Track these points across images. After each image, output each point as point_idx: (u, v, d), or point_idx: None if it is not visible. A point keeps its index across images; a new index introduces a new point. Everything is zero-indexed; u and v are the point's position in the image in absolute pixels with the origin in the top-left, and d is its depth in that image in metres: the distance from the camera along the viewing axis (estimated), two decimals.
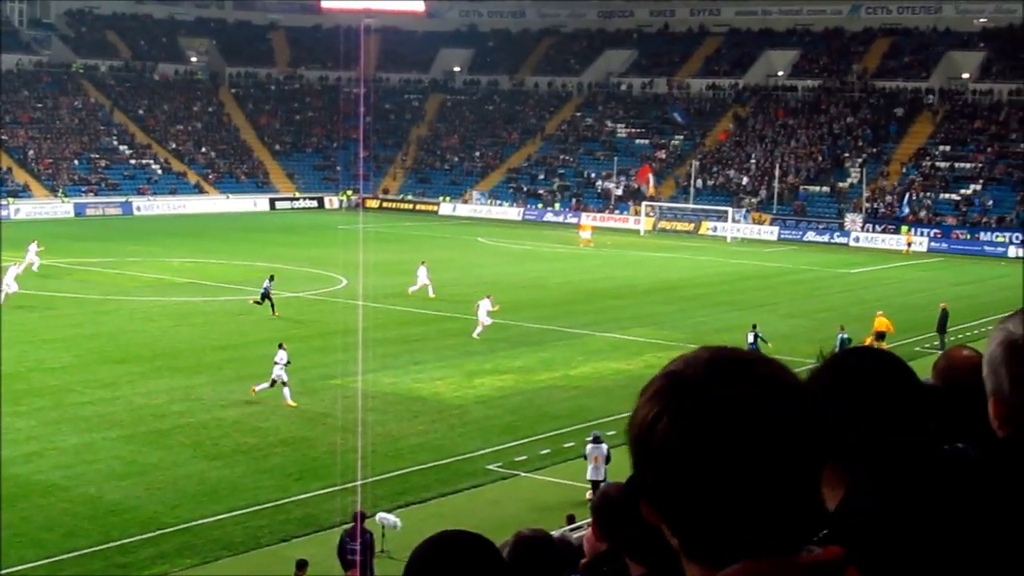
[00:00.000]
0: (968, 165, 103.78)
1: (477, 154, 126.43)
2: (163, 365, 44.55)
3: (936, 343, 50.89)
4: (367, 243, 78.03)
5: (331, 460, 32.30)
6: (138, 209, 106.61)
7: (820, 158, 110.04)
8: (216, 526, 28.42)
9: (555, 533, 7.62)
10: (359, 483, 29.04)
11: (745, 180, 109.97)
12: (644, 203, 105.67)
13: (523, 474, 33.27)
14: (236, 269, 70.13)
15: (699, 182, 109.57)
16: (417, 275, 61.12)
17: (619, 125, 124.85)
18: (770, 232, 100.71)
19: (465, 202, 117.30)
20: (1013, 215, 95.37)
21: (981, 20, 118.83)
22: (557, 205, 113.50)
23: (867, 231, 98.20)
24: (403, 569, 3.86)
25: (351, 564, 24.45)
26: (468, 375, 44.33)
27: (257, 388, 39.55)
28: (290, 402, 38.71)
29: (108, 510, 29.18)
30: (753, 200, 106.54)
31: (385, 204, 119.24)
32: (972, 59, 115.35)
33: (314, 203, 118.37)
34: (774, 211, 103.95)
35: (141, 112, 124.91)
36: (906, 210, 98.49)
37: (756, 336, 47.40)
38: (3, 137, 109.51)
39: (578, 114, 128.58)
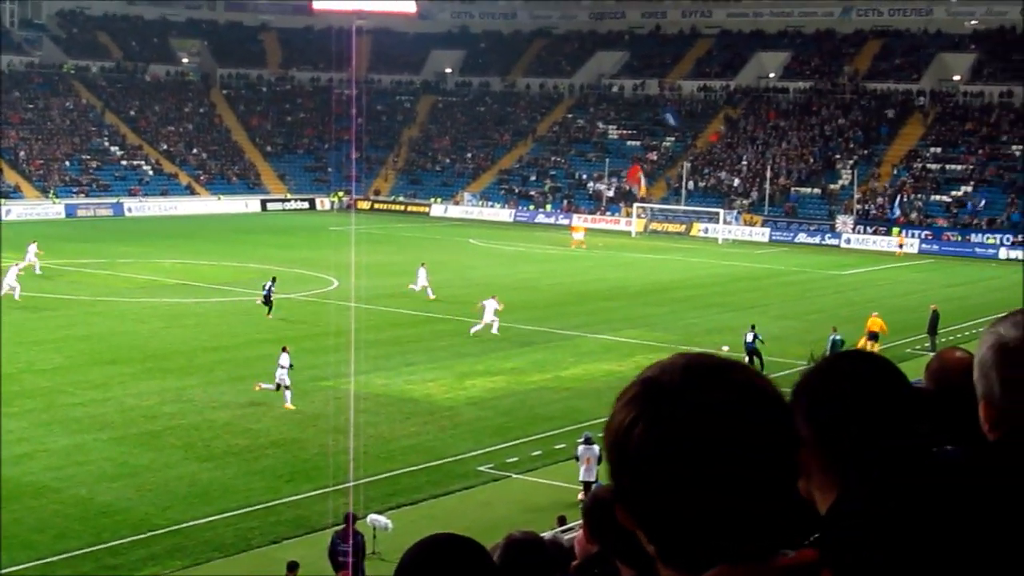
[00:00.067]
0: (959, 167, 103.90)
1: (469, 155, 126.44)
2: (154, 366, 44.50)
3: (927, 344, 50.94)
4: (359, 244, 77.98)
5: (322, 462, 32.29)
6: (129, 210, 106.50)
7: (811, 160, 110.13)
8: (207, 528, 28.39)
9: (546, 535, 7.63)
10: (350, 484, 29.01)
11: (736, 182, 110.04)
12: (635, 204, 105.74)
13: (514, 476, 33.27)
14: (227, 270, 70.10)
15: (690, 184, 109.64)
16: (417, 276, 61.15)
17: (610, 126, 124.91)
18: (761, 234, 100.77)
19: (457, 203, 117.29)
20: (1004, 217, 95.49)
21: (972, 22, 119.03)
22: (548, 206, 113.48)
23: (858, 233, 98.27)
24: (393, 572, 3.85)
25: (342, 566, 24.44)
26: (460, 376, 44.32)
27: (263, 386, 39.55)
28: (289, 405, 38.68)
29: (99, 512, 29.15)
30: (744, 202, 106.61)
31: (377, 205, 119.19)
32: (963, 61, 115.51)
33: (305, 204, 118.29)
34: (765, 213, 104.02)
35: (132, 113, 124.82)
36: (897, 212, 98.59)
37: (755, 336, 47.25)
38: None
39: (569, 115, 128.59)
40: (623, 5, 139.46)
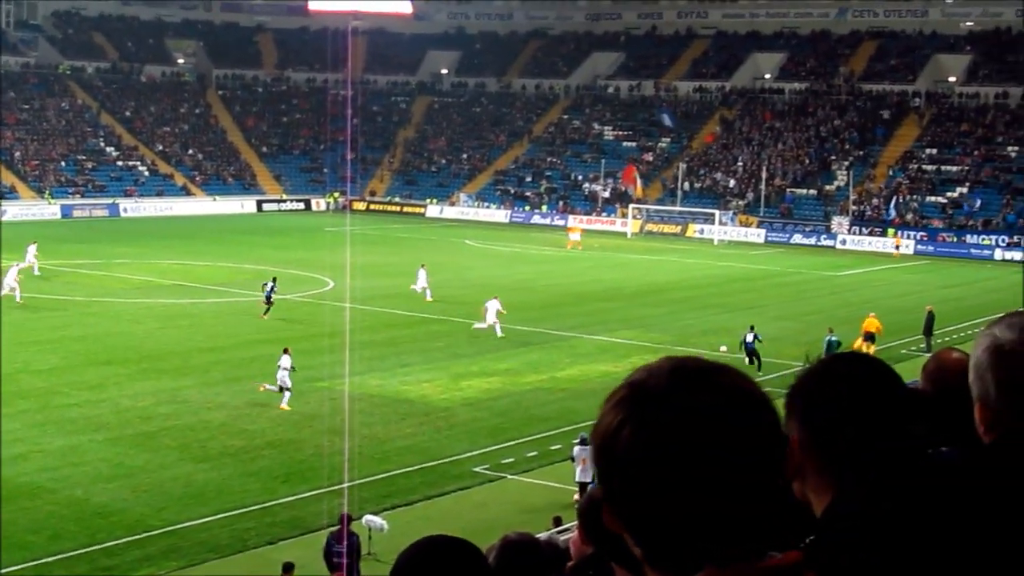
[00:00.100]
0: (954, 168, 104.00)
1: (464, 156, 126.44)
2: (150, 367, 44.48)
3: (922, 346, 51.00)
4: (354, 245, 78.00)
5: (318, 462, 32.28)
6: (125, 211, 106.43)
7: (807, 161, 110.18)
8: (202, 528, 28.38)
9: (542, 536, 7.62)
10: (346, 485, 29.01)
11: (732, 183, 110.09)
12: (631, 205, 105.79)
13: (510, 476, 33.27)
14: (223, 271, 70.09)
15: (686, 184, 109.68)
16: (418, 276, 61.18)
17: (606, 127, 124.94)
18: (757, 235, 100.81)
19: (452, 204, 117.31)
20: (999, 218, 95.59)
21: (967, 23, 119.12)
22: (544, 207, 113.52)
23: (854, 234, 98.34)
24: (389, 574, 3.85)
25: (337, 567, 24.42)
26: (455, 377, 44.32)
27: (267, 387, 39.51)
28: (285, 407, 38.68)
29: (94, 512, 29.13)
30: (740, 203, 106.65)
31: (372, 206, 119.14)
32: (958, 62, 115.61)
33: (301, 205, 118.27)
34: (761, 214, 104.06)
35: (128, 114, 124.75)
36: (893, 213, 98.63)
37: (755, 337, 47.24)
38: None
39: (565, 116, 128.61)
40: (619, 6, 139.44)
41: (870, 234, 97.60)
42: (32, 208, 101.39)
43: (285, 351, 40.07)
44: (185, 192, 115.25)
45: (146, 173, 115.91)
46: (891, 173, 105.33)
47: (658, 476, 2.18)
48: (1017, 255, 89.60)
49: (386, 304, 58.60)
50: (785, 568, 2.25)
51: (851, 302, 63.76)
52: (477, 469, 33.69)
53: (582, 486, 29.75)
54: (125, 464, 32.89)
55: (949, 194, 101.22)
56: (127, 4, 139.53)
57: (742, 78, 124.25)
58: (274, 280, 56.14)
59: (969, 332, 51.53)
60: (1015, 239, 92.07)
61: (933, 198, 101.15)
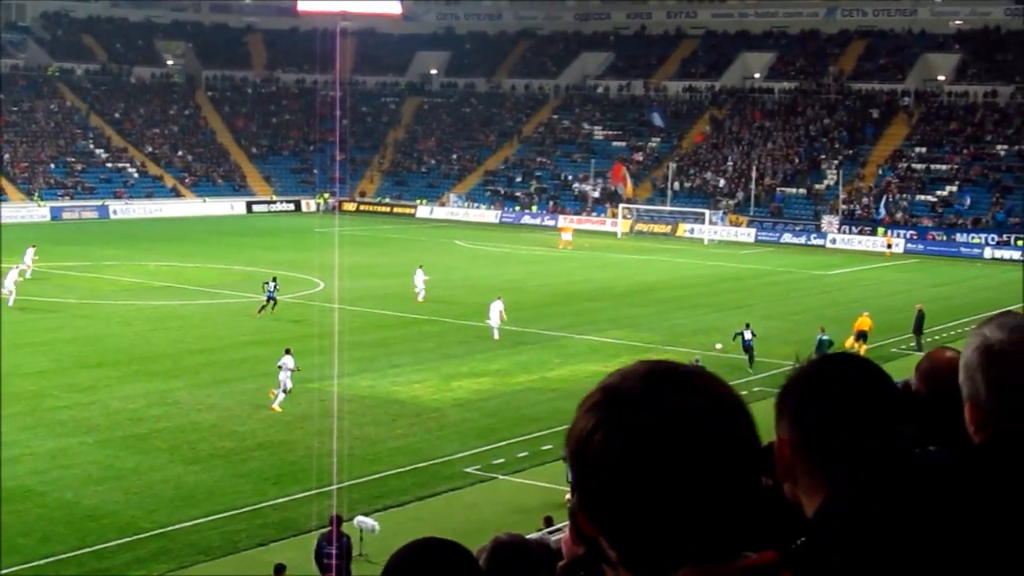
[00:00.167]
0: (944, 167, 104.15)
1: (454, 157, 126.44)
2: (140, 369, 44.44)
3: (913, 344, 51.05)
4: (344, 246, 77.95)
5: (309, 464, 32.23)
6: (114, 213, 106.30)
7: (796, 160, 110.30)
8: (193, 530, 28.34)
9: (533, 536, 7.62)
10: (336, 487, 28.98)
11: (722, 182, 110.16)
12: (621, 205, 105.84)
13: (501, 477, 33.27)
14: (213, 273, 70.05)
15: (676, 184, 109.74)
16: (416, 280, 61.23)
17: (596, 127, 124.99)
18: (747, 234, 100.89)
19: (442, 205, 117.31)
20: (989, 216, 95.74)
21: (956, 22, 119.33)
22: (534, 207, 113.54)
23: (843, 233, 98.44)
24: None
25: (328, 568, 24.41)
26: (446, 378, 44.32)
27: (277, 405, 39.29)
28: (276, 408, 38.64)
29: (85, 515, 29.09)
30: (730, 202, 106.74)
31: (362, 207, 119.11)
32: (947, 61, 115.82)
33: (291, 206, 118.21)
34: (751, 213, 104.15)
35: (117, 115, 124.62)
36: (883, 212, 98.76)
37: (753, 334, 47.36)
38: None
39: (555, 116, 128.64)
40: (608, 6, 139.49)
41: (860, 233, 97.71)
42: (21, 210, 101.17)
43: (287, 351, 40.04)
44: (175, 194, 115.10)
45: (135, 175, 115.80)
46: (881, 172, 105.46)
47: (632, 480, 2.18)
48: (1006, 253, 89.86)
49: (376, 305, 58.60)
50: (761, 568, 2.25)
51: (840, 301, 63.85)
52: (468, 470, 33.70)
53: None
54: (115, 466, 32.85)
55: (939, 193, 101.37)
56: (116, 5, 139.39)
57: (731, 78, 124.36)
58: (274, 280, 56.20)
59: (959, 331, 51.60)
60: (1004, 237, 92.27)
61: (923, 197, 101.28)
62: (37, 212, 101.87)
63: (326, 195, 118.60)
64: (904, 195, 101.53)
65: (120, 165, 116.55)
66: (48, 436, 35.45)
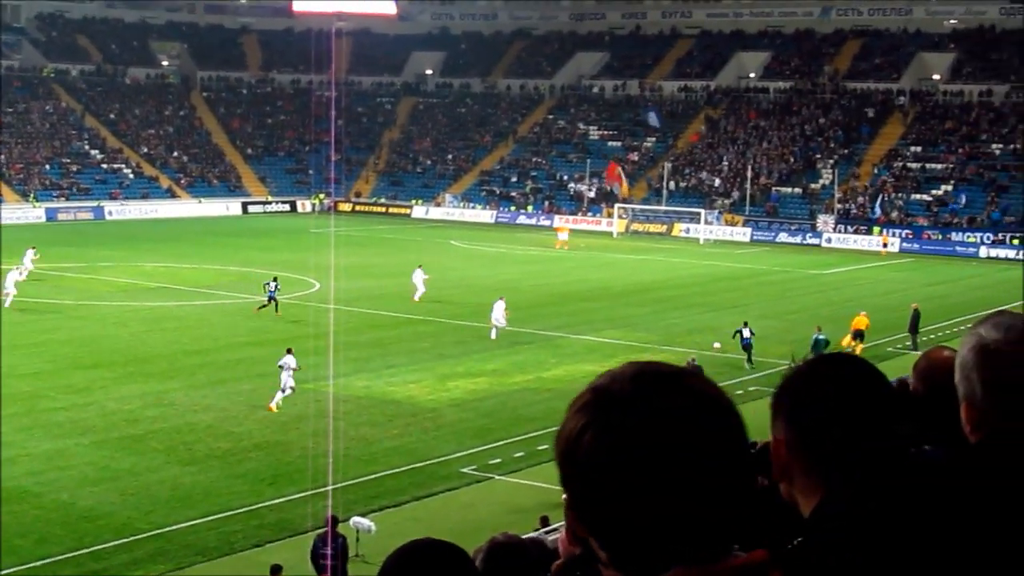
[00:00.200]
0: (939, 166, 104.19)
1: (450, 157, 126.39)
2: (136, 370, 44.41)
3: (908, 343, 51.08)
4: (340, 247, 77.90)
5: (305, 464, 32.23)
6: (110, 214, 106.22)
7: (792, 159, 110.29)
8: (190, 531, 28.33)
9: (529, 535, 7.61)
10: (332, 487, 28.97)
11: (717, 182, 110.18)
12: (617, 205, 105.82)
13: (497, 477, 33.26)
14: (208, 274, 70.02)
15: (671, 184, 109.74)
16: (414, 280, 61.25)
17: (591, 127, 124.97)
18: (742, 233, 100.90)
19: (438, 205, 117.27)
20: (984, 215, 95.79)
21: (951, 21, 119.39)
22: (530, 207, 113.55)
23: (839, 232, 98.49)
24: None
25: (324, 569, 24.39)
26: (441, 378, 44.31)
27: (274, 405, 39.25)
28: (273, 407, 38.63)
29: (81, 516, 29.08)
30: (725, 202, 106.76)
31: (358, 207, 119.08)
32: (942, 60, 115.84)
33: (286, 207, 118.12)
34: (746, 212, 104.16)
35: (112, 116, 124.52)
36: (878, 211, 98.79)
37: (751, 332, 47.49)
38: None
39: (550, 116, 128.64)
40: (603, 6, 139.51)
41: (855, 232, 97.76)
42: (17, 211, 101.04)
43: (288, 351, 40.03)
44: (170, 194, 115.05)
45: (131, 175, 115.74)
46: (876, 171, 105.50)
47: (621, 480, 2.18)
48: (1002, 252, 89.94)
49: (372, 305, 58.58)
50: (751, 567, 2.25)
51: (836, 301, 63.91)
52: (465, 470, 33.69)
53: None
54: (112, 467, 32.83)
55: (934, 192, 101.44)
56: (111, 6, 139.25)
57: (727, 77, 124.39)
58: (275, 280, 56.20)
59: (955, 329, 51.63)
60: (1000, 236, 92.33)
61: (918, 196, 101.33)
62: (32, 213, 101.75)
63: (321, 195, 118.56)
64: (899, 194, 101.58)
65: (115, 166, 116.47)
66: (44, 437, 35.43)
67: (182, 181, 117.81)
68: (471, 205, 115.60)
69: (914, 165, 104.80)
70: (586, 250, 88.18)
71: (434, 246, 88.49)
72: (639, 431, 2.19)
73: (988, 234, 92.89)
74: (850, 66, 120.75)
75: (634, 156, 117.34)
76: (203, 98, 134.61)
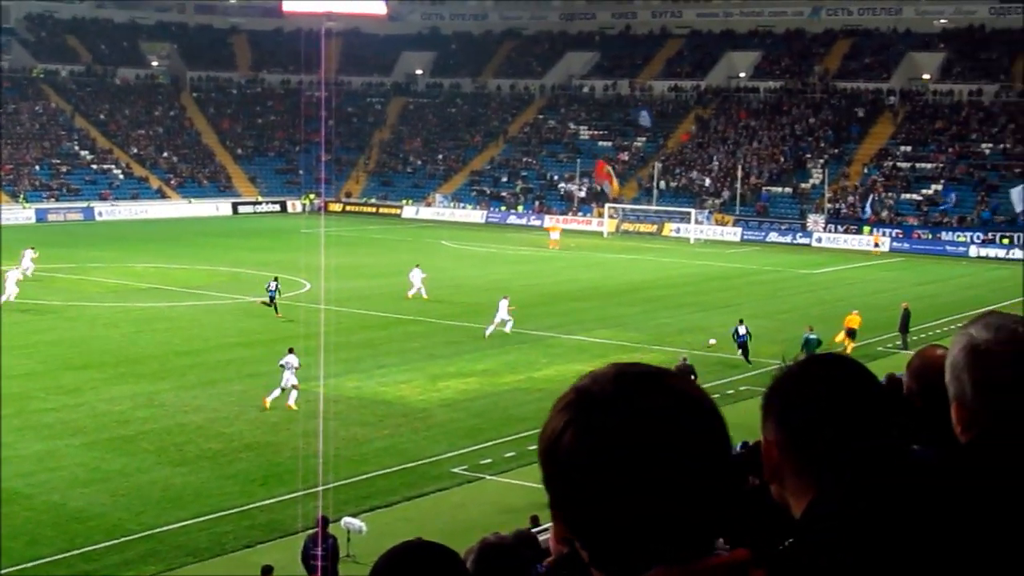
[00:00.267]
0: (929, 165, 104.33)
1: (440, 157, 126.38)
2: (126, 371, 44.35)
3: (899, 343, 51.16)
4: (330, 247, 77.88)
5: (296, 465, 32.21)
6: (100, 214, 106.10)
7: (782, 159, 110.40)
8: (181, 532, 28.30)
9: (519, 528, 7.61)
10: (322, 488, 28.97)
11: (708, 181, 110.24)
12: (607, 205, 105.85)
13: (488, 477, 33.26)
14: (199, 274, 69.95)
15: (662, 184, 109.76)
16: (411, 278, 61.25)
17: (582, 127, 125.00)
18: (733, 233, 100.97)
19: (428, 205, 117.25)
20: (974, 215, 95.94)
21: (941, 21, 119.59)
22: (520, 207, 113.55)
23: (829, 231, 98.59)
24: None
25: (315, 569, 24.38)
26: (432, 378, 44.29)
27: (269, 399, 39.29)
28: (292, 405, 38.63)
29: (72, 517, 29.03)
30: (716, 201, 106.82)
31: (348, 208, 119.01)
32: (932, 60, 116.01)
33: (277, 207, 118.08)
34: (737, 212, 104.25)
35: (102, 117, 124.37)
36: (868, 211, 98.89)
37: (747, 329, 47.66)
38: None
39: (540, 116, 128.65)
40: (593, 6, 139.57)
41: (846, 232, 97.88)
42: (6, 212, 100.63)
43: (290, 351, 40.01)
44: (160, 195, 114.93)
45: (121, 176, 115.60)
46: (866, 171, 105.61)
47: (601, 481, 2.19)
48: (991, 251, 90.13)
49: (362, 305, 58.55)
50: (732, 566, 2.26)
51: (826, 300, 64.00)
52: (455, 470, 33.68)
53: None
54: (102, 468, 32.79)
55: (924, 191, 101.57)
56: (101, 7, 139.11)
57: (717, 77, 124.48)
58: (276, 280, 56.18)
59: (945, 329, 51.66)
60: (989, 235, 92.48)
61: (908, 195, 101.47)
62: (22, 214, 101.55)
63: (312, 196, 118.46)
64: (889, 194, 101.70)
65: (105, 167, 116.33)
66: (34, 438, 35.37)
67: (172, 181, 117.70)
68: (461, 205, 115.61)
69: (904, 165, 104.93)
70: (577, 250, 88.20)
71: (424, 246, 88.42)
72: (620, 431, 2.19)
73: (978, 233, 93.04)
74: (840, 66, 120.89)
75: (624, 156, 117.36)
76: (193, 98, 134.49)
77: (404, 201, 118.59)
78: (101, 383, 42.37)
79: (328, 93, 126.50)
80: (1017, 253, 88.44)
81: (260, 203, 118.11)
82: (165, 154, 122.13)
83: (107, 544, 27.36)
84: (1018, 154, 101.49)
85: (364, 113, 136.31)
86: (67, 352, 47.66)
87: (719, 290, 68.52)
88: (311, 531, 25.52)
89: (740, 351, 47.20)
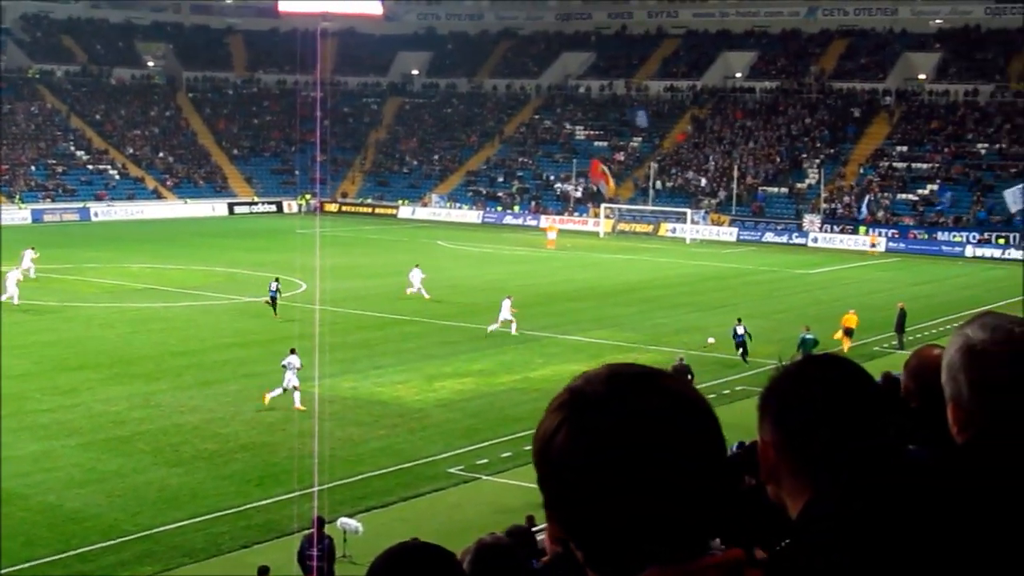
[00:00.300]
0: (925, 165, 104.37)
1: (436, 157, 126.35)
2: (122, 372, 44.33)
3: (895, 343, 51.18)
4: (326, 247, 77.79)
5: (292, 465, 32.20)
6: (96, 215, 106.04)
7: (778, 159, 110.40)
8: (177, 533, 28.29)
9: (515, 524, 7.61)
10: (317, 488, 28.96)
11: (704, 182, 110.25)
12: (603, 205, 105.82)
13: (484, 477, 33.25)
14: (195, 275, 69.91)
15: (658, 184, 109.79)
16: (411, 278, 61.25)
17: (578, 127, 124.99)
18: (729, 233, 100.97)
19: (424, 205, 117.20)
20: (970, 215, 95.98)
21: (937, 21, 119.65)
22: (516, 208, 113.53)
23: (825, 232, 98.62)
24: None
25: (311, 570, 24.36)
26: (428, 379, 44.28)
27: (269, 396, 39.31)
28: (299, 406, 38.56)
29: (68, 518, 29.02)
30: (712, 201, 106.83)
31: (344, 208, 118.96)
32: (928, 60, 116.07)
33: (272, 207, 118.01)
34: (733, 212, 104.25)
35: (98, 117, 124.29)
36: (864, 211, 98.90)
37: (745, 329, 47.77)
38: None
39: (536, 116, 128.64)
40: (589, 6, 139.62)
41: (841, 232, 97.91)
42: (2, 213, 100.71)
43: (292, 351, 39.98)
44: (156, 195, 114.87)
45: (117, 176, 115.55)
46: (862, 171, 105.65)
47: (595, 481, 2.19)
48: (987, 251, 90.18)
49: (358, 306, 58.52)
50: (726, 566, 2.26)
51: (822, 300, 64.01)
52: (452, 470, 33.68)
53: None
54: (98, 469, 32.77)
55: (920, 191, 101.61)
56: (96, 7, 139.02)
57: (713, 77, 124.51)
58: (277, 280, 56.16)
59: (941, 329, 51.70)
60: (985, 235, 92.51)
61: (904, 195, 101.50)
62: (18, 215, 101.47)
63: (308, 196, 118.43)
64: (885, 194, 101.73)
65: (101, 167, 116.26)
66: (30, 439, 35.35)
67: (168, 182, 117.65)
68: (458, 205, 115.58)
69: (900, 165, 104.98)
70: (573, 250, 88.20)
71: (421, 246, 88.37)
72: (613, 432, 2.19)
73: (974, 233, 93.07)
74: (836, 66, 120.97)
75: (620, 156, 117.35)
76: (189, 99, 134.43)
77: (400, 201, 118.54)
78: (97, 384, 42.35)
79: (324, 93, 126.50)
80: (1013, 253, 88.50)
81: (256, 203, 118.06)
82: (161, 154, 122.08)
83: (103, 545, 27.35)
84: (1014, 154, 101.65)
85: (360, 113, 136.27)
86: (63, 353, 47.63)
87: (715, 290, 68.54)
88: (307, 531, 25.50)
89: (739, 351, 47.31)
